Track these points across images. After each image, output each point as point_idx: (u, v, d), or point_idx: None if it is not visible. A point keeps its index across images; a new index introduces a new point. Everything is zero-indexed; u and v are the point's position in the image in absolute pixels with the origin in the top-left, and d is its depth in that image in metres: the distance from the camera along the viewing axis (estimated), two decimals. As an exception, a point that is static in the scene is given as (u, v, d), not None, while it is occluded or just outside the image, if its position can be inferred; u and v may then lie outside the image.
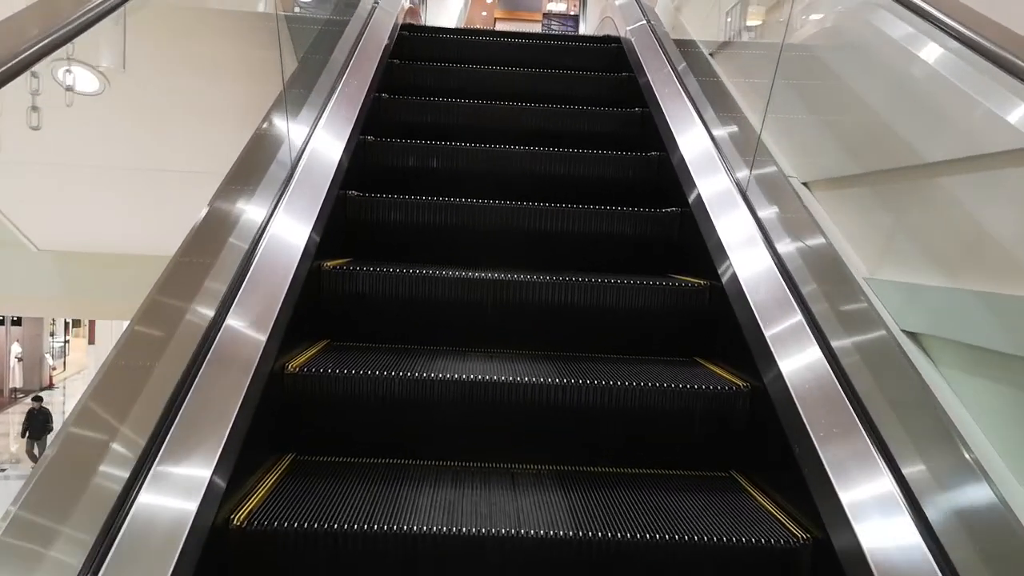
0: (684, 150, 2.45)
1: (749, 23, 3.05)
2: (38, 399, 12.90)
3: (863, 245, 1.85)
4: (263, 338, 1.47)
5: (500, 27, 18.85)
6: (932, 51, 1.62)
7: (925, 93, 1.68)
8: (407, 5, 4.04)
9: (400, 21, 3.67)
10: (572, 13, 18.20)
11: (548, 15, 18.46)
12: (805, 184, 2.12)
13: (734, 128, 2.44)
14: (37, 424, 12.19)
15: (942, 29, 1.45)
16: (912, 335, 1.59)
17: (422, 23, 5.42)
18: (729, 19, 3.24)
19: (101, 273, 4.29)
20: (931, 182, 1.64)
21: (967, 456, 1.22)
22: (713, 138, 2.43)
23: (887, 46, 1.81)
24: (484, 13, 19.29)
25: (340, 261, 2.04)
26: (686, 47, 3.21)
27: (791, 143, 2.25)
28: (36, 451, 12.04)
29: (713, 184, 2.21)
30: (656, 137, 2.75)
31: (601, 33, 4.43)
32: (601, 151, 2.73)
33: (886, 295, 1.67)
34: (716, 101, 2.63)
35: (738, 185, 2.13)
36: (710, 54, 3.14)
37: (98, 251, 4.21)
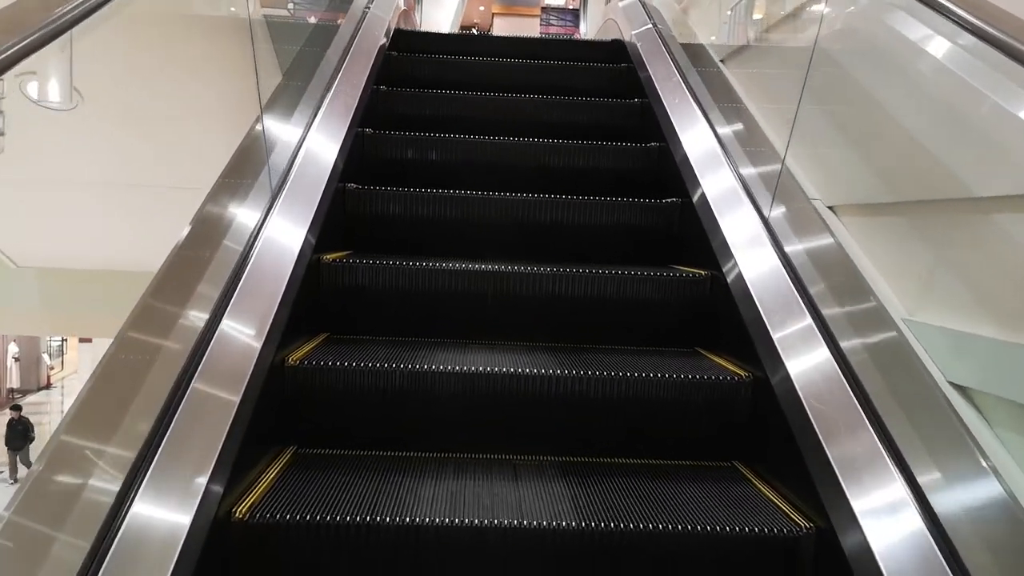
0: (685, 142, 2.44)
1: (756, 17, 2.83)
2: (17, 408, 11.74)
3: (900, 281, 1.67)
4: (263, 331, 1.47)
5: (498, 23, 18.81)
6: (993, 76, 1.40)
7: (980, 119, 1.46)
8: (402, 7, 3.97)
9: (393, 26, 3.62)
10: (571, 7, 18.14)
11: (546, 9, 18.41)
12: (831, 208, 1.93)
13: (742, 130, 2.35)
14: (16, 435, 11.03)
15: (1005, 51, 1.24)
16: (961, 388, 1.43)
17: (416, 23, 5.32)
18: (734, 15, 3.03)
19: (83, 289, 4.20)
20: (986, 218, 1.46)
21: (973, 448, 1.22)
22: (719, 137, 2.38)
23: (934, 61, 1.60)
24: (481, 8, 19.25)
25: (339, 254, 2.04)
26: (693, 50, 3.06)
27: (815, 162, 2.02)
28: (18, 463, 10.94)
29: (718, 180, 2.19)
30: (656, 128, 2.74)
31: (604, 36, 4.30)
32: (601, 142, 2.73)
33: (929, 340, 1.50)
34: (734, 119, 2.43)
35: (760, 213, 1.98)
36: (721, 60, 2.93)
37: (80, 267, 4.14)
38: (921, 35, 1.63)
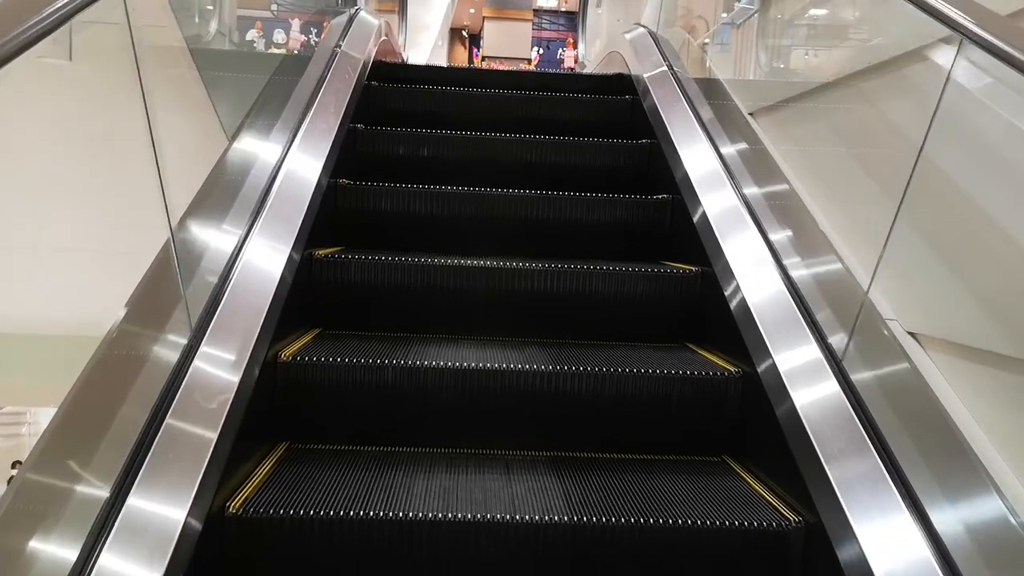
0: (700, 190, 2.16)
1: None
2: None
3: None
4: (255, 327, 1.47)
5: (488, 26, 18.80)
6: None
7: None
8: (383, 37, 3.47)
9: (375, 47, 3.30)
10: (564, 10, 18.15)
11: (538, 12, 18.42)
12: (912, 335, 1.55)
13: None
14: None
15: None
16: None
17: (399, 48, 4.48)
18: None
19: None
20: None
21: (959, 440, 1.24)
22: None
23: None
24: (472, 11, 19.22)
25: (331, 249, 2.04)
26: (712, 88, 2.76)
27: (895, 273, 1.57)
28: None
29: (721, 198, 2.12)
30: (662, 158, 2.70)
31: (609, 71, 3.70)
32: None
33: None
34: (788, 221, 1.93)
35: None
36: (749, 113, 2.57)
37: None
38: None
